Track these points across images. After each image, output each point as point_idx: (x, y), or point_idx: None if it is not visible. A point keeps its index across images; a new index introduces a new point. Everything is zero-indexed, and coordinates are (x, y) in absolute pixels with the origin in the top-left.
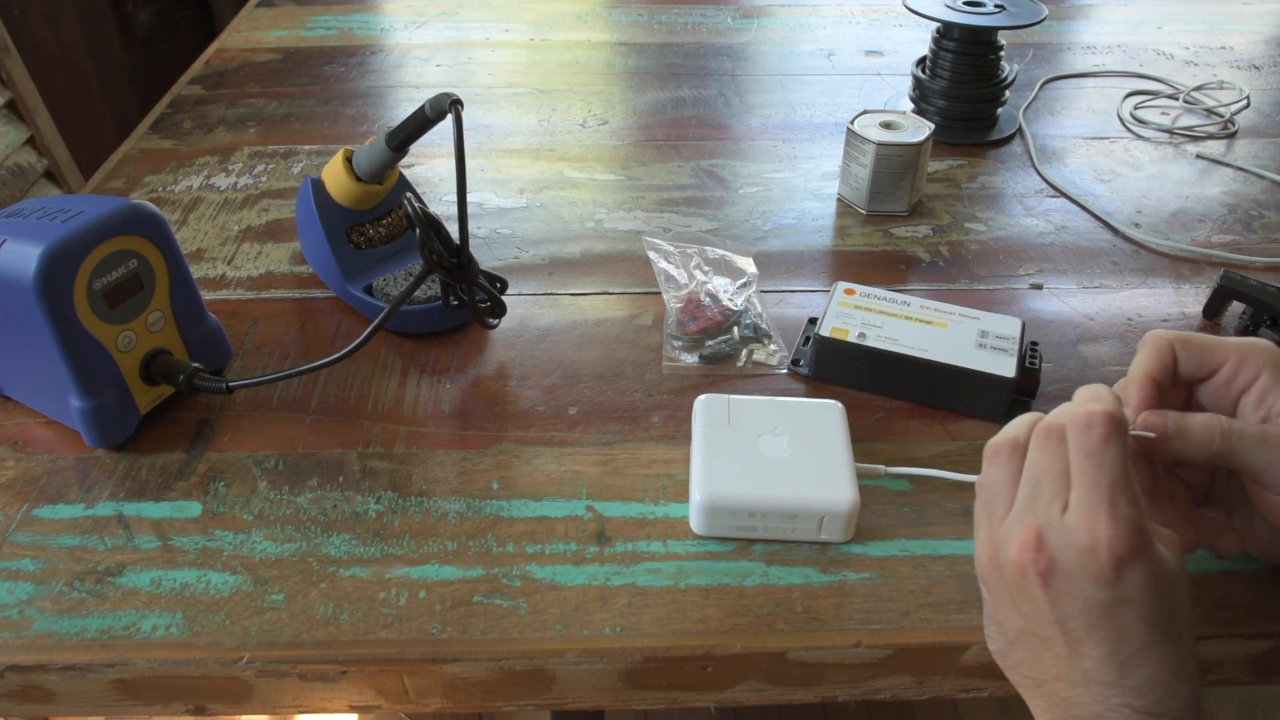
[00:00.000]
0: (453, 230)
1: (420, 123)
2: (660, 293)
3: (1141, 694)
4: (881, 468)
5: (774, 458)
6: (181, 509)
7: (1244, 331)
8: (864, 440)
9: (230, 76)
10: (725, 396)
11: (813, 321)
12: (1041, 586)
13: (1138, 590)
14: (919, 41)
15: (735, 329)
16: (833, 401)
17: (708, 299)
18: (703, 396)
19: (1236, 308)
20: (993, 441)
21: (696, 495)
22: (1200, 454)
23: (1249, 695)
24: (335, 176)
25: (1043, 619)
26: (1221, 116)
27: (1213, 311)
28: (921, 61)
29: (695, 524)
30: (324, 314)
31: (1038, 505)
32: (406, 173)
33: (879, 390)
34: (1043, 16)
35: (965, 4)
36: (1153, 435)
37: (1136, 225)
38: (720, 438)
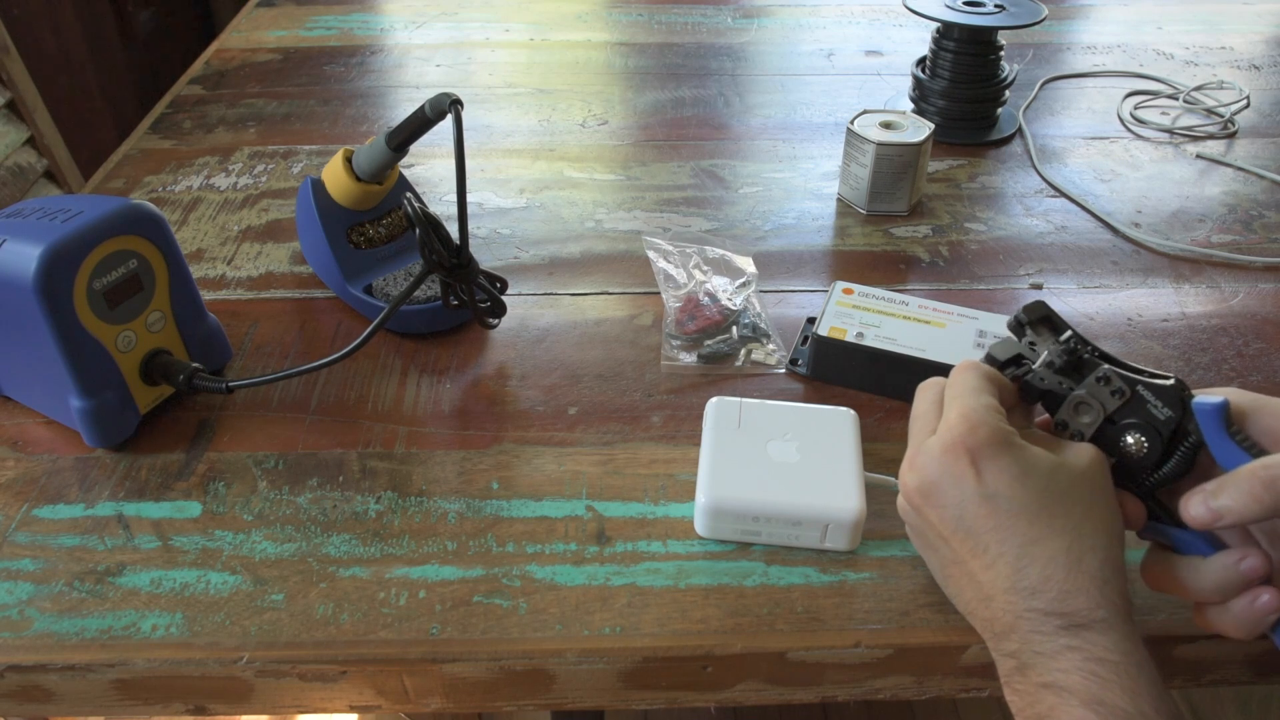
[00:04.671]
0: (453, 230)
1: (420, 123)
2: (660, 292)
3: (1037, 593)
4: (893, 480)
5: (782, 463)
6: (181, 509)
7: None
8: (864, 440)
9: (230, 76)
10: (738, 400)
11: (811, 321)
12: (925, 504)
13: (1003, 482)
14: (919, 41)
15: (734, 328)
16: (845, 409)
17: (706, 298)
18: (715, 399)
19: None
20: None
21: (702, 498)
22: (1263, 511)
23: (1245, 690)
24: (335, 176)
25: (941, 540)
26: (1221, 116)
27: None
28: (921, 61)
29: (700, 526)
30: (324, 314)
31: (912, 440)
32: (406, 173)
33: (877, 390)
34: (1043, 16)
35: (965, 4)
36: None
37: (1136, 225)
38: (729, 441)
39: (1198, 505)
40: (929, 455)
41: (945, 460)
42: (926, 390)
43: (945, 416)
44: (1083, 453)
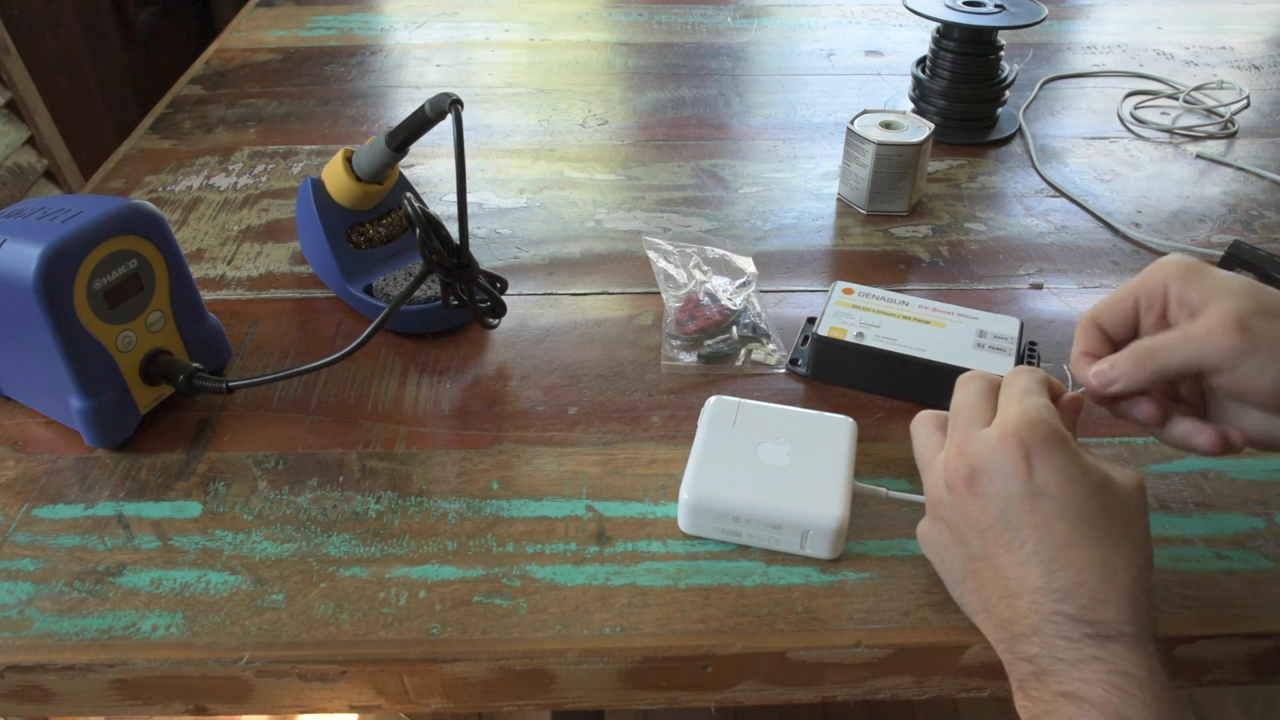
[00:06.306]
0: (453, 230)
1: (420, 123)
2: (660, 292)
3: (1068, 597)
4: (883, 490)
5: (770, 466)
6: (181, 509)
7: None
8: (863, 440)
9: (230, 76)
10: (737, 400)
11: (811, 321)
12: (969, 492)
13: (1052, 481)
14: (919, 41)
15: (734, 328)
16: (844, 418)
17: (706, 298)
18: (714, 397)
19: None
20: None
21: (684, 494)
22: (1147, 379)
23: (1249, 690)
24: (335, 176)
25: (976, 531)
26: (1221, 116)
27: None
28: (921, 61)
29: (683, 522)
30: (324, 314)
31: (958, 428)
32: (406, 173)
33: (877, 390)
34: (1043, 16)
35: (965, 4)
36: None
37: (1136, 225)
38: (721, 439)
39: (1094, 372)
40: (983, 443)
41: (1000, 450)
42: (972, 383)
43: (1004, 410)
44: (1130, 477)
